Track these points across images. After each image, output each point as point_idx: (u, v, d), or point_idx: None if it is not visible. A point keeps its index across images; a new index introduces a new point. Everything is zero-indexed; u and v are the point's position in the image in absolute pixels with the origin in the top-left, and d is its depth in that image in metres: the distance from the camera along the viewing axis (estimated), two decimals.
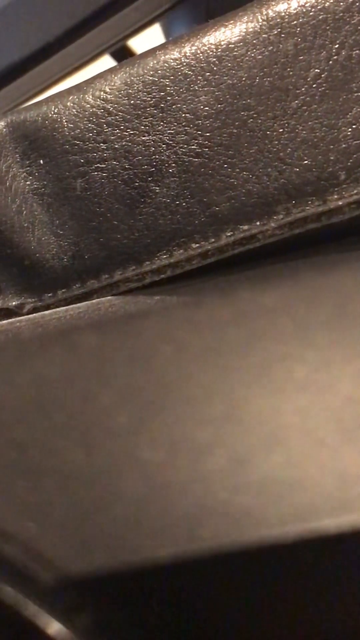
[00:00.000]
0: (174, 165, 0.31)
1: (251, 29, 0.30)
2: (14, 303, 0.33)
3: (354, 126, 0.29)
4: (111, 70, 0.33)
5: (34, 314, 0.33)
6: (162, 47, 0.32)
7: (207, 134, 0.30)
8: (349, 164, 0.29)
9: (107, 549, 0.28)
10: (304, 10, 0.29)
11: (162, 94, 0.31)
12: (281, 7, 0.30)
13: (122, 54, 0.61)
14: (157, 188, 0.31)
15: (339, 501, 0.27)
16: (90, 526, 0.29)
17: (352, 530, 0.27)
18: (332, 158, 0.29)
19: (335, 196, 0.29)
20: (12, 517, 0.31)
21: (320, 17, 0.29)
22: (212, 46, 0.31)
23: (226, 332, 0.30)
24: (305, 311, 0.29)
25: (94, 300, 0.32)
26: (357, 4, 0.29)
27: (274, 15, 0.30)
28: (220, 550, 0.28)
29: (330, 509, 0.27)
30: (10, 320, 0.33)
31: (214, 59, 0.31)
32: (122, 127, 0.32)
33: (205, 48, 0.31)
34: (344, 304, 0.29)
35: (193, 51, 0.31)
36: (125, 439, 0.29)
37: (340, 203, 0.29)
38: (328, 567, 0.28)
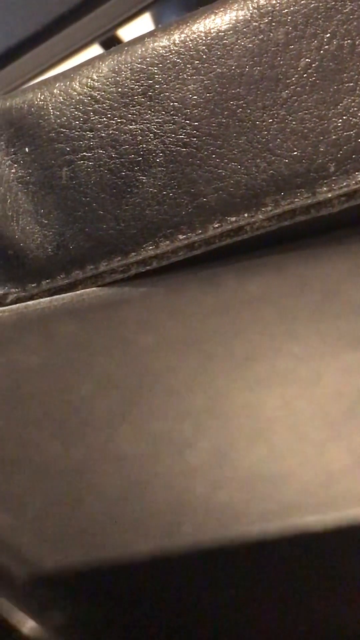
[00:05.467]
0: (161, 154, 0.30)
1: (242, 17, 0.30)
2: None
3: (344, 117, 0.28)
4: (99, 58, 0.32)
5: (17, 304, 0.32)
6: (150, 34, 0.31)
7: (196, 123, 0.30)
8: (339, 155, 0.28)
9: (84, 544, 0.28)
10: None
11: (150, 82, 0.31)
12: None
13: (112, 44, 0.61)
14: (144, 178, 0.31)
15: (323, 497, 0.27)
16: (66, 520, 0.28)
17: (336, 527, 0.26)
18: (322, 149, 0.29)
19: (325, 188, 0.29)
20: None
21: (312, 5, 0.29)
22: (202, 34, 0.30)
23: (209, 322, 0.29)
24: (292, 302, 0.28)
25: (78, 291, 0.32)
26: None
27: (265, 3, 0.29)
28: (201, 546, 0.27)
29: (314, 505, 0.27)
30: None
31: (204, 47, 0.30)
32: (109, 115, 0.31)
33: (195, 36, 0.30)
34: (331, 295, 0.28)
35: (182, 39, 0.31)
36: (103, 431, 0.29)
37: (329, 195, 0.29)
38: (311, 565, 0.28)
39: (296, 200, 0.29)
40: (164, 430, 0.28)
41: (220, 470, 0.28)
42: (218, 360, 0.29)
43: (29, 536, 0.28)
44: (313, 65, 0.29)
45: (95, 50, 0.57)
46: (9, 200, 0.32)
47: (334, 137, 0.28)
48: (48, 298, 0.32)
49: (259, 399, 0.28)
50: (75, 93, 0.32)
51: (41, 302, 0.32)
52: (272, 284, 0.29)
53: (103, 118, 0.31)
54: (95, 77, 0.32)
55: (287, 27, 0.29)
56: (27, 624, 0.28)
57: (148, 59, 0.31)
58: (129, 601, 0.29)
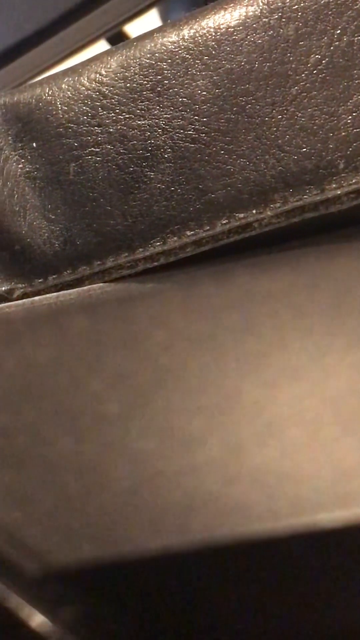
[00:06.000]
0: (169, 150, 0.30)
1: (251, 13, 0.30)
2: (3, 288, 0.33)
3: (354, 114, 0.28)
4: (107, 53, 0.32)
5: (24, 300, 0.32)
6: (160, 29, 0.31)
7: (204, 119, 0.30)
8: (348, 152, 0.28)
9: (95, 540, 0.28)
10: None
11: (159, 77, 0.31)
12: None
13: (119, 40, 0.60)
14: (152, 174, 0.31)
15: (335, 495, 0.26)
16: (77, 516, 0.28)
17: (348, 525, 0.26)
18: (331, 146, 0.29)
19: (334, 185, 0.29)
20: None
21: (322, 1, 0.29)
22: (211, 30, 0.30)
23: (221, 318, 0.29)
24: (304, 299, 0.28)
25: (84, 287, 0.32)
26: None
27: None
28: (211, 543, 0.27)
29: (326, 503, 0.27)
30: None
31: (213, 43, 0.30)
32: (117, 111, 0.31)
33: (204, 31, 0.30)
34: (343, 292, 0.28)
35: (191, 34, 0.30)
36: (115, 427, 0.29)
37: (338, 192, 0.29)
38: (322, 563, 0.28)
39: (305, 197, 0.29)
40: (175, 426, 0.28)
41: (231, 467, 0.27)
42: (230, 357, 0.29)
43: (40, 531, 0.28)
44: (323, 61, 0.29)
45: (102, 46, 0.57)
46: (16, 196, 0.32)
47: (343, 133, 0.28)
48: (55, 294, 0.32)
49: (270, 395, 0.28)
50: (84, 88, 0.32)
51: (48, 297, 0.32)
52: (284, 281, 0.29)
53: (111, 113, 0.31)
54: (103, 72, 0.32)
55: (297, 23, 0.29)
56: (36, 619, 0.28)
57: (157, 55, 0.31)
58: (138, 597, 0.29)
